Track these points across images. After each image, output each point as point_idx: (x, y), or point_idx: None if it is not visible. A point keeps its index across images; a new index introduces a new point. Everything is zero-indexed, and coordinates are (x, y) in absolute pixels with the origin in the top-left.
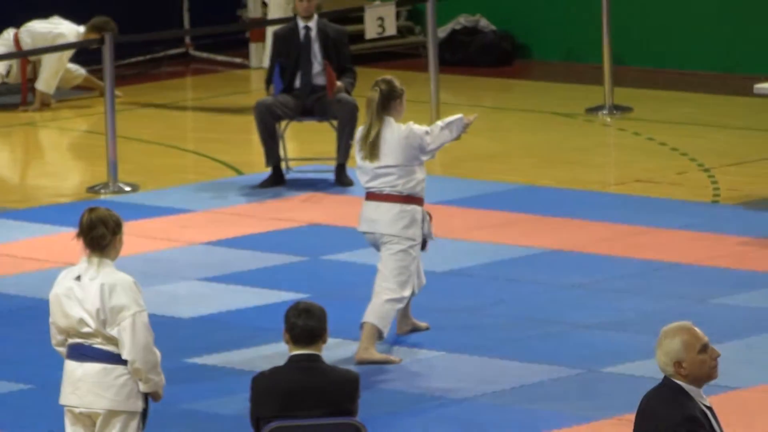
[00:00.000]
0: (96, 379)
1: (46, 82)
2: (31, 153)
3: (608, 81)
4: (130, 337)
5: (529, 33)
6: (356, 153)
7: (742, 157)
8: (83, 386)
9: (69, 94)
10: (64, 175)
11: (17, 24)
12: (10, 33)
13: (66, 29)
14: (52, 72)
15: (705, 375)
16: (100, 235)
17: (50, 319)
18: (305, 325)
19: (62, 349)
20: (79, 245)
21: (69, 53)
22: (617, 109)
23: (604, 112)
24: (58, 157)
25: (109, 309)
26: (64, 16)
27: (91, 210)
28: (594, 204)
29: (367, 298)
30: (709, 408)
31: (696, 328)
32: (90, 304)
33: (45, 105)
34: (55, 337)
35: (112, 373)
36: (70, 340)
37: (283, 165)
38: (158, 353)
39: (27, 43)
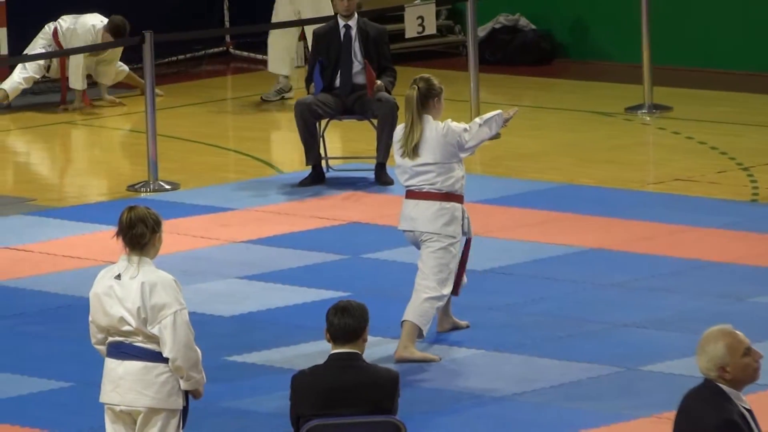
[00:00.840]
0: (137, 377)
1: (74, 80)
2: (72, 151)
3: (648, 80)
4: (171, 334)
5: (569, 32)
6: (395, 151)
7: None
8: (124, 384)
9: (111, 92)
10: (104, 174)
11: (56, 18)
12: (50, 27)
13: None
14: (74, 67)
15: (749, 378)
16: (139, 233)
17: (90, 318)
18: (344, 323)
19: (102, 348)
20: (118, 244)
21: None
22: (656, 108)
23: (644, 111)
24: (98, 155)
25: (150, 307)
26: (104, 13)
27: (131, 208)
28: (633, 203)
29: (408, 297)
30: (749, 410)
31: (737, 331)
32: (131, 303)
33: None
34: (95, 336)
35: (153, 371)
36: (110, 339)
37: (323, 163)
38: (199, 351)
39: (65, 38)
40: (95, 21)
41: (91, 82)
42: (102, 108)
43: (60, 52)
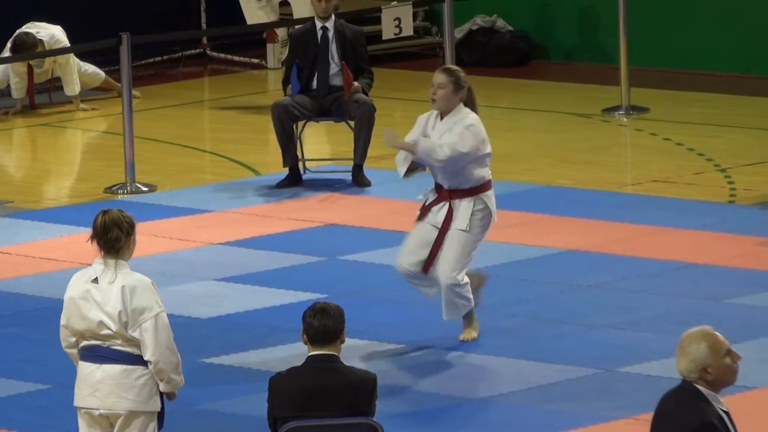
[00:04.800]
0: (117, 381)
1: (72, 86)
2: (49, 153)
3: (625, 81)
4: (153, 337)
5: (546, 33)
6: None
7: (758, 158)
8: (103, 388)
9: (87, 95)
10: (81, 176)
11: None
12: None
13: (57, 31)
14: (72, 74)
15: (728, 379)
16: (114, 237)
17: (62, 322)
18: (322, 325)
19: (73, 351)
20: (93, 247)
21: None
22: (634, 109)
23: (621, 112)
24: (75, 157)
25: (131, 311)
26: (81, 14)
27: (105, 212)
28: (611, 204)
29: (384, 299)
30: (726, 412)
31: (717, 332)
32: (111, 307)
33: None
34: (67, 339)
35: (132, 374)
36: (84, 342)
37: (300, 165)
38: (178, 353)
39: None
40: (54, 32)
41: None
42: (78, 111)
43: (11, 58)
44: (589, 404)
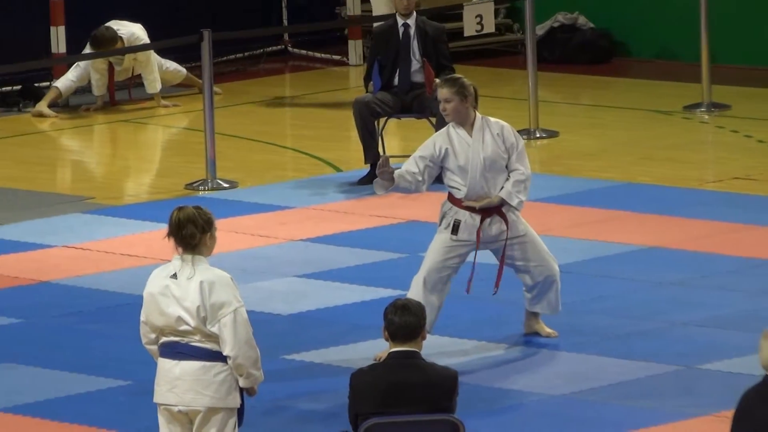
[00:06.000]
0: (195, 377)
1: (153, 84)
2: (129, 150)
3: (706, 78)
4: (232, 333)
5: (627, 31)
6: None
7: None
8: (182, 384)
9: (168, 92)
10: (162, 172)
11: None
12: None
13: (137, 29)
14: (153, 71)
15: None
16: (189, 234)
17: (142, 318)
18: (403, 321)
19: (153, 348)
20: (170, 244)
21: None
22: (715, 106)
23: (702, 109)
24: (156, 153)
25: (210, 306)
26: (163, 12)
27: (180, 209)
28: (692, 201)
29: (465, 295)
30: None
31: None
32: (189, 302)
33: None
34: (147, 336)
35: (211, 371)
36: (164, 339)
37: None
38: (258, 349)
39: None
40: (134, 30)
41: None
42: (160, 107)
43: (93, 55)
44: (670, 401)
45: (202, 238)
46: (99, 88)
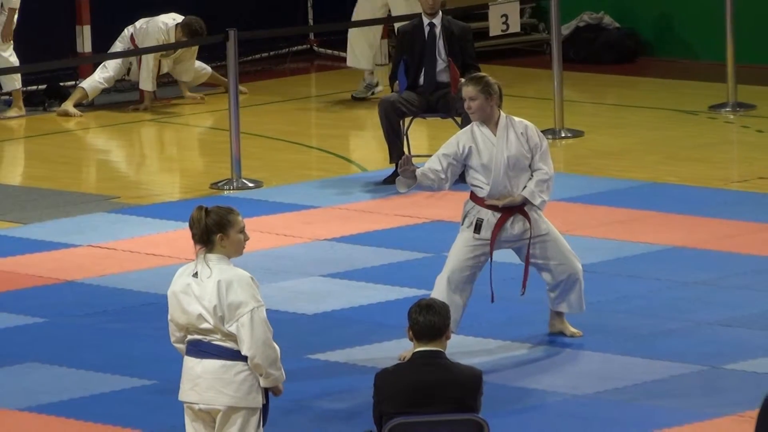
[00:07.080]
0: (216, 376)
1: (143, 81)
2: (154, 149)
3: (731, 78)
4: (249, 332)
5: (653, 30)
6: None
7: None
8: (203, 383)
9: (194, 90)
10: (187, 172)
11: (137, 19)
12: (129, 31)
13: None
14: (144, 68)
15: None
16: (197, 234)
17: (168, 317)
18: (428, 321)
19: (181, 346)
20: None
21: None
22: (740, 106)
23: (728, 109)
24: (181, 153)
25: (227, 305)
26: (189, 11)
27: (200, 208)
28: (717, 201)
29: (489, 295)
30: None
31: None
32: (207, 301)
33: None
34: (174, 334)
35: (231, 370)
36: (189, 337)
37: None
38: (277, 348)
39: (138, 40)
40: (167, 20)
41: (171, 81)
42: (184, 106)
43: (136, 51)
44: (694, 401)
45: (222, 237)
46: (153, 83)
